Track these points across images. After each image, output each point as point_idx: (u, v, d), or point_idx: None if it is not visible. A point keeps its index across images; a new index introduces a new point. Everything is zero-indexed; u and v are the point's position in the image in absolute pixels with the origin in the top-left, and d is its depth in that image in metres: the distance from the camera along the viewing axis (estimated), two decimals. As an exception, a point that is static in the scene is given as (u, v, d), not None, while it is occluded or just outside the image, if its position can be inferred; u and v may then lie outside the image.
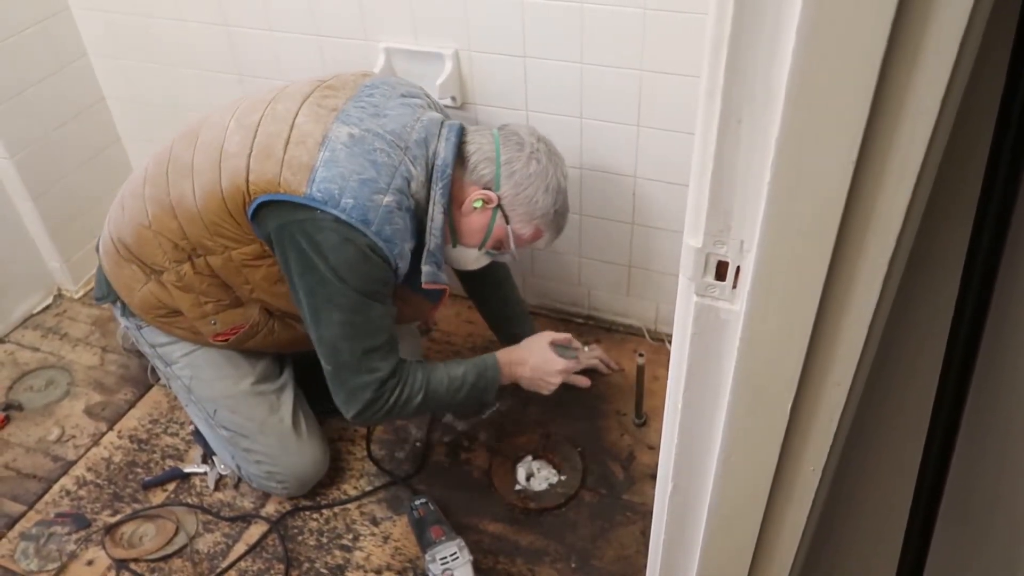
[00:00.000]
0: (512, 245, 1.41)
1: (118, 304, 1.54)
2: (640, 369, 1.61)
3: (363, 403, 1.33)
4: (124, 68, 1.98)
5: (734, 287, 0.57)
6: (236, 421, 1.52)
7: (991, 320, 0.63)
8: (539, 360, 1.48)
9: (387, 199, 1.26)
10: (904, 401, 0.75)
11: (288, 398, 1.56)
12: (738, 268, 0.56)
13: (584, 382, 1.59)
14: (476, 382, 1.43)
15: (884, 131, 0.47)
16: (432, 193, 1.33)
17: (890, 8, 0.42)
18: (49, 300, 2.09)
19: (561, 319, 1.96)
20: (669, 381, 0.67)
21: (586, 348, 1.79)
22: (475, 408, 1.72)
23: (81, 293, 2.11)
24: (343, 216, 1.23)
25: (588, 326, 1.94)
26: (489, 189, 1.36)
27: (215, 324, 1.45)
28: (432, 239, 1.34)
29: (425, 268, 1.35)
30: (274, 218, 1.26)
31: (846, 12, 0.43)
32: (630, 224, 1.73)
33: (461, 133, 1.38)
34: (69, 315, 2.06)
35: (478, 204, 1.36)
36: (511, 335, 1.72)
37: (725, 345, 0.60)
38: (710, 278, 0.58)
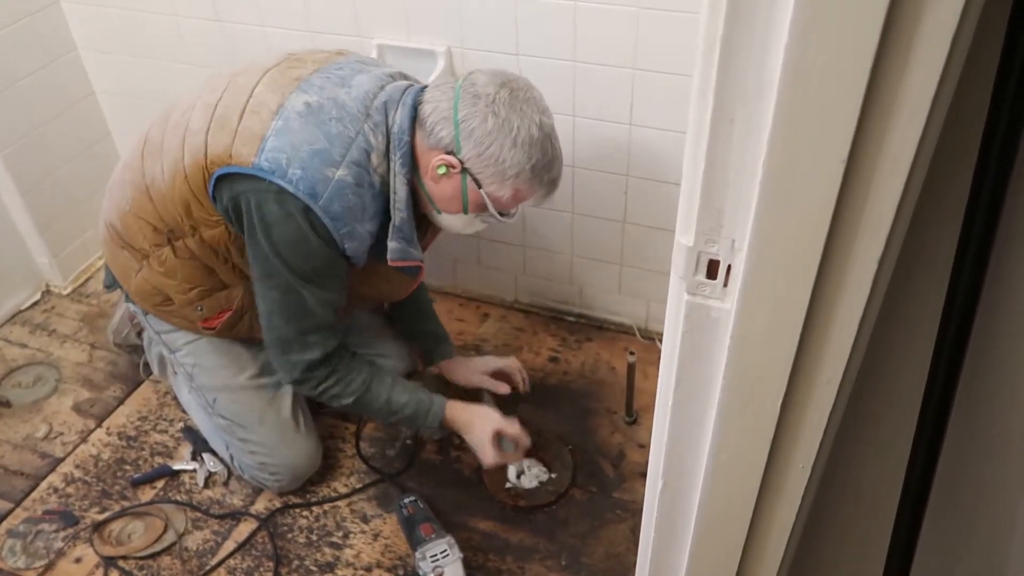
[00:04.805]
0: (492, 209, 1.28)
1: (124, 290, 1.53)
2: (631, 367, 1.62)
3: (292, 379, 1.37)
4: (115, 62, 1.97)
5: (725, 285, 0.57)
6: (235, 411, 1.52)
7: (979, 318, 0.64)
8: (476, 442, 1.47)
9: (340, 172, 1.21)
10: (893, 399, 0.76)
11: (287, 391, 1.56)
12: (729, 267, 0.56)
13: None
14: (413, 417, 1.45)
15: (875, 131, 0.48)
16: (391, 164, 1.26)
17: (881, 9, 0.43)
18: (37, 296, 2.08)
19: (552, 317, 1.96)
20: (660, 379, 0.67)
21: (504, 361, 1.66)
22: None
23: (70, 289, 2.10)
24: (289, 187, 1.19)
25: (579, 324, 1.94)
26: (452, 152, 1.23)
27: (201, 310, 1.44)
28: (397, 213, 1.27)
29: (391, 244, 1.29)
30: (227, 191, 1.24)
31: (838, 12, 0.43)
32: (621, 223, 1.74)
33: (419, 94, 1.27)
34: (58, 311, 2.04)
35: (442, 170, 1.24)
36: (427, 355, 1.71)
37: (716, 343, 0.60)
38: (701, 276, 0.58)
